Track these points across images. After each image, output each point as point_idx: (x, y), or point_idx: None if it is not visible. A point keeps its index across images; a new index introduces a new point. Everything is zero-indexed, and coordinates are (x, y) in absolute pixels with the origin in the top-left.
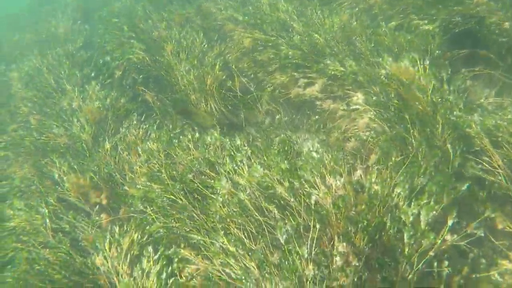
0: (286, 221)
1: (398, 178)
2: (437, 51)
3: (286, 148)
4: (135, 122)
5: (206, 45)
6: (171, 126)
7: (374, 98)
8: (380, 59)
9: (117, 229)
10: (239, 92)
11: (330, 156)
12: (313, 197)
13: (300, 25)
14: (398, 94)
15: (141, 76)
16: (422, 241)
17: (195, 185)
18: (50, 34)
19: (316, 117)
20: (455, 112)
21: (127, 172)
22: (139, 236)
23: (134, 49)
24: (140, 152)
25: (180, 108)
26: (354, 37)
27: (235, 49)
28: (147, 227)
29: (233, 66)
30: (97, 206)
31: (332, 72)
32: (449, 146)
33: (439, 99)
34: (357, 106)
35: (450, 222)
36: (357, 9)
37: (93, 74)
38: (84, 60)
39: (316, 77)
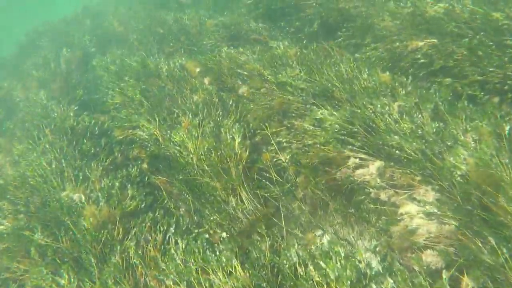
0: None
1: None
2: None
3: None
4: (148, 223)
5: (220, 112)
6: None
7: (455, 204)
8: (452, 158)
9: None
10: (274, 173)
11: None
12: None
13: (344, 91)
14: (481, 201)
15: (147, 153)
16: None
17: None
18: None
19: (371, 206)
20: None
21: None
22: None
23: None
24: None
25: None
26: (414, 113)
27: (262, 111)
28: None
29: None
30: None
31: (396, 151)
32: None
33: None
34: (435, 210)
35: None
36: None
37: (93, 151)
38: (83, 129)
39: (370, 158)
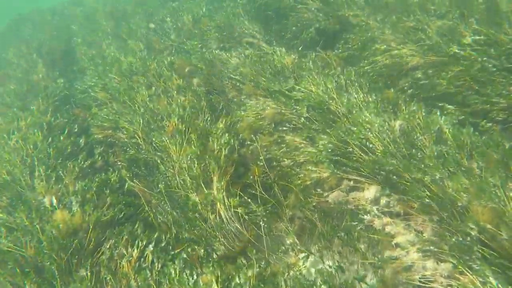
0: None
1: None
2: None
3: None
4: (126, 236)
5: (209, 118)
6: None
7: (454, 239)
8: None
9: None
10: (260, 189)
11: None
12: None
13: (342, 107)
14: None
15: (126, 157)
16: None
17: None
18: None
19: (365, 234)
20: None
21: None
22: None
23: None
24: None
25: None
26: (415, 136)
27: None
28: None
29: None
30: None
31: (393, 176)
32: None
33: None
34: (431, 247)
35: None
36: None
37: (69, 149)
38: (60, 127)
39: (365, 181)
